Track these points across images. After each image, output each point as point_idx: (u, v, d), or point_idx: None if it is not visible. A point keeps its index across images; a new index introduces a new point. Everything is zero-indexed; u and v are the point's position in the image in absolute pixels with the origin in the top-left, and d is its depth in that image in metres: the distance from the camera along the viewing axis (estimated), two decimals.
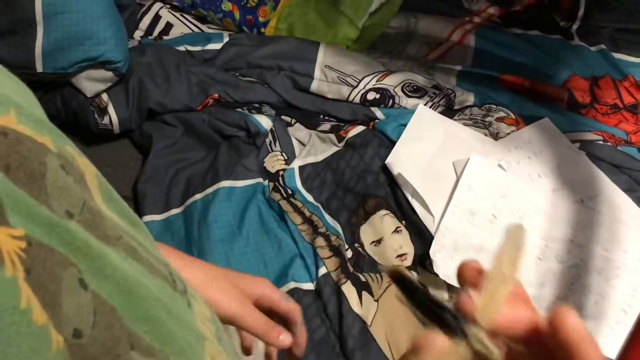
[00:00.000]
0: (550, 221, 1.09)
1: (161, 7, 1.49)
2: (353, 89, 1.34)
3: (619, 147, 1.26)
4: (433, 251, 1.05)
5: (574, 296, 0.99)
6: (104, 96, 1.24)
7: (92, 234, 0.29)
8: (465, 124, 1.29)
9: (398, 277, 0.35)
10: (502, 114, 1.33)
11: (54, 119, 1.24)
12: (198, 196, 1.13)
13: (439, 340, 0.33)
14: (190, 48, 1.39)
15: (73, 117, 1.25)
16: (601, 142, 1.27)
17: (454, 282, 1.02)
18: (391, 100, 1.34)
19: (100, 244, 0.30)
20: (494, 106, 1.35)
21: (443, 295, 1.03)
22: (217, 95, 1.30)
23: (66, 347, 0.25)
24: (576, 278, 1.01)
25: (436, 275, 1.03)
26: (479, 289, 0.33)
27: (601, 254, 1.04)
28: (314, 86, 1.35)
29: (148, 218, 1.12)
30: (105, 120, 1.22)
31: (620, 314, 0.94)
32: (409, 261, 1.08)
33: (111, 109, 1.22)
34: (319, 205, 1.15)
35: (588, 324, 0.94)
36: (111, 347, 0.28)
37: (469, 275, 0.35)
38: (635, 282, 0.98)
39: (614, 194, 1.15)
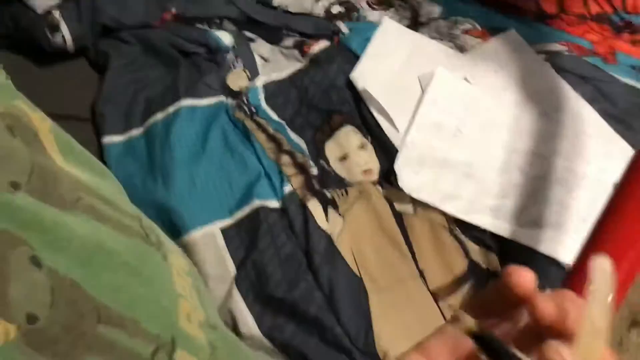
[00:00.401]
0: (514, 133, 1.09)
1: None
2: (317, 1, 1.29)
3: (584, 58, 1.25)
4: (398, 166, 1.05)
5: (536, 207, 1.00)
6: (56, 12, 1.18)
7: (45, 202, 0.27)
8: (431, 37, 1.27)
9: (481, 337, 0.32)
10: (468, 27, 1.31)
11: (5, 39, 1.19)
12: (159, 115, 1.10)
13: None
14: None
15: (25, 36, 1.19)
16: (567, 53, 1.26)
17: (418, 196, 1.03)
18: (356, 14, 1.30)
19: (55, 212, 0.28)
20: (461, 18, 1.33)
21: (407, 209, 1.04)
22: (175, 10, 1.25)
23: (20, 335, 0.23)
24: (538, 189, 1.02)
25: (401, 189, 1.03)
26: (566, 339, 0.30)
27: (563, 165, 1.05)
28: None
29: (108, 139, 1.09)
30: (58, 38, 1.17)
31: (580, 223, 0.96)
32: (374, 176, 1.08)
33: (64, 26, 1.17)
34: (284, 122, 1.14)
35: (549, 234, 0.96)
36: (75, 325, 0.26)
37: (544, 312, 0.31)
38: (596, 192, 0.99)
39: (578, 105, 1.15)
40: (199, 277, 0.44)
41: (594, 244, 0.60)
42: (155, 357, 0.31)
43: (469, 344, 0.32)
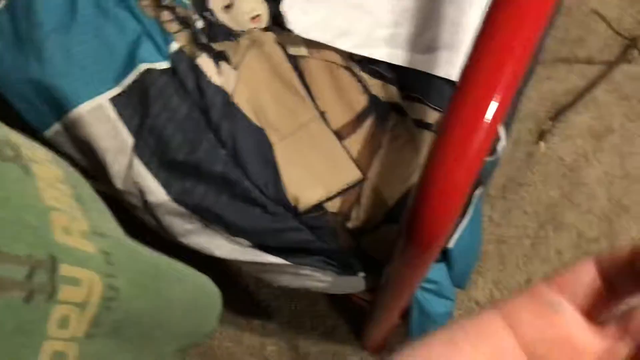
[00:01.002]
0: None
1: None
2: None
3: None
4: (285, 7, 1.00)
5: (430, 31, 0.98)
6: None
7: None
8: None
9: None
10: None
11: None
12: None
13: None
14: None
15: None
16: None
17: (310, 36, 0.99)
18: None
19: None
20: None
21: (302, 52, 1.00)
22: None
23: None
24: (431, 12, 0.99)
25: (293, 32, 0.99)
26: None
27: None
28: None
29: None
30: None
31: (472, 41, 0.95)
32: (263, 23, 1.03)
33: None
34: None
35: (444, 56, 0.95)
36: None
37: None
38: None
39: None
40: (82, 182, 0.41)
41: (475, 54, 0.60)
42: (33, 278, 0.30)
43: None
